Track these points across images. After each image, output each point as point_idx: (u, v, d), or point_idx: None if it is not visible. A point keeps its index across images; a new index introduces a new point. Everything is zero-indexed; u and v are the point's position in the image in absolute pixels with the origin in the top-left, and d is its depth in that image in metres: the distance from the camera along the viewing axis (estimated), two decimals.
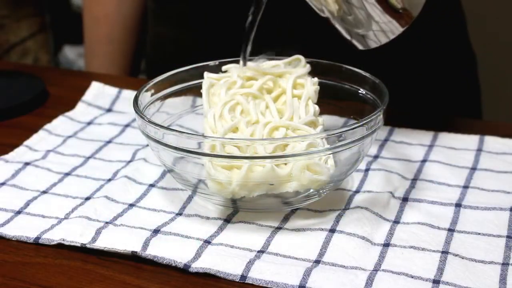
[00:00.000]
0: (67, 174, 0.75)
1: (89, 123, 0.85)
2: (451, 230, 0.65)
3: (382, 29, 0.70)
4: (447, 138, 0.79)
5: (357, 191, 0.70)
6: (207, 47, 0.97)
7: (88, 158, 0.78)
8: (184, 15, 0.99)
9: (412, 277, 0.59)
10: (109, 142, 0.81)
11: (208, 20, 0.97)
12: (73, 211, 0.68)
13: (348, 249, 0.62)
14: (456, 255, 0.62)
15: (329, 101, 0.74)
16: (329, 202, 0.68)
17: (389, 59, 0.92)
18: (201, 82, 0.72)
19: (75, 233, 0.64)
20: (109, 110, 0.89)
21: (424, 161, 0.75)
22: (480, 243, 0.63)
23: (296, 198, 0.66)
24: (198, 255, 0.62)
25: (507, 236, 0.64)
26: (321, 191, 0.66)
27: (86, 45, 1.11)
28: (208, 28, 0.97)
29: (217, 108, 0.68)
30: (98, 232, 0.64)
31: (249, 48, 0.72)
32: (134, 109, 0.68)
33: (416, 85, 0.98)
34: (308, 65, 0.72)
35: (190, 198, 0.70)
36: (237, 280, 0.59)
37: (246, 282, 0.59)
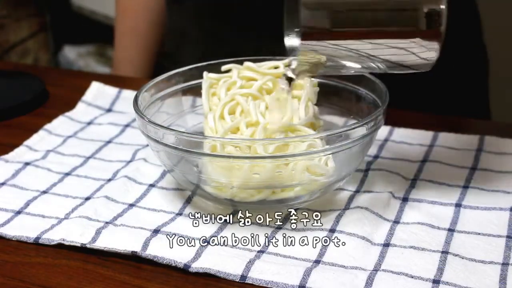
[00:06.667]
0: (67, 174, 0.75)
1: (89, 123, 0.85)
2: (451, 230, 0.65)
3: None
4: (447, 138, 0.79)
5: (357, 191, 0.70)
6: (216, 41, 0.98)
7: (88, 158, 0.78)
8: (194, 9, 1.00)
9: (412, 277, 0.59)
10: (109, 142, 0.81)
11: (217, 14, 0.98)
12: (73, 211, 0.68)
13: (348, 249, 0.62)
14: (456, 255, 0.62)
15: (329, 101, 0.74)
16: (329, 202, 0.68)
17: None
18: (201, 82, 0.72)
19: (75, 233, 0.64)
20: (109, 110, 0.89)
21: (424, 161, 0.75)
22: (480, 243, 0.63)
23: (296, 199, 0.66)
24: (198, 255, 0.62)
25: (507, 236, 0.64)
26: (321, 191, 0.66)
27: (115, 36, 1.15)
28: (217, 22, 0.98)
29: (217, 109, 0.68)
30: (98, 232, 0.64)
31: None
32: (134, 109, 0.68)
33: (419, 84, 0.98)
34: None
35: (190, 198, 0.70)
36: (237, 280, 0.59)
37: (246, 282, 0.59)
